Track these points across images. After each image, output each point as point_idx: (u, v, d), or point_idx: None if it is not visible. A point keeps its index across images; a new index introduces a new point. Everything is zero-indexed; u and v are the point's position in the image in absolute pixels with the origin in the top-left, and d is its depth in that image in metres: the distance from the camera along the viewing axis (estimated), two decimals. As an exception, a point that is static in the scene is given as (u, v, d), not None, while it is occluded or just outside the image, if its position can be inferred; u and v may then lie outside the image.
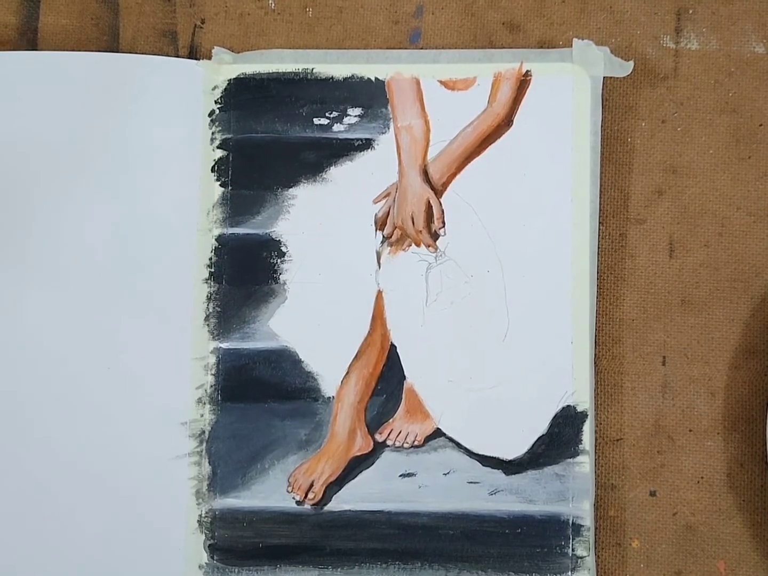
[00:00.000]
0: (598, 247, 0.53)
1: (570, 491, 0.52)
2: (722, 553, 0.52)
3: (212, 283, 0.54)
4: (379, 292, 0.53)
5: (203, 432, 0.53)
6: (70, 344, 0.53)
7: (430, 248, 0.54)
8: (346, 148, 0.54)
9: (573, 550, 0.51)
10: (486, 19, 0.55)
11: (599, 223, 0.53)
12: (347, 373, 0.53)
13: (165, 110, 0.54)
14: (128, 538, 0.52)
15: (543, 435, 0.52)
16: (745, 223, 0.54)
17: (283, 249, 0.54)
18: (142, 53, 0.55)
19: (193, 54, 0.56)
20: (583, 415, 0.52)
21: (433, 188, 0.54)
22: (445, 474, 0.52)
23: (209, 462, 0.53)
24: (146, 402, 0.53)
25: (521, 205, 0.53)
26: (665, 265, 0.54)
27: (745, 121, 0.54)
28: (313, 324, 0.53)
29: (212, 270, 0.54)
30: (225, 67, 0.55)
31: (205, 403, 0.53)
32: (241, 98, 0.55)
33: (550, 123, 0.53)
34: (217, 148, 0.54)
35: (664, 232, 0.54)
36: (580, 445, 0.52)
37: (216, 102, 0.55)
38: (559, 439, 0.52)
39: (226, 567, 0.52)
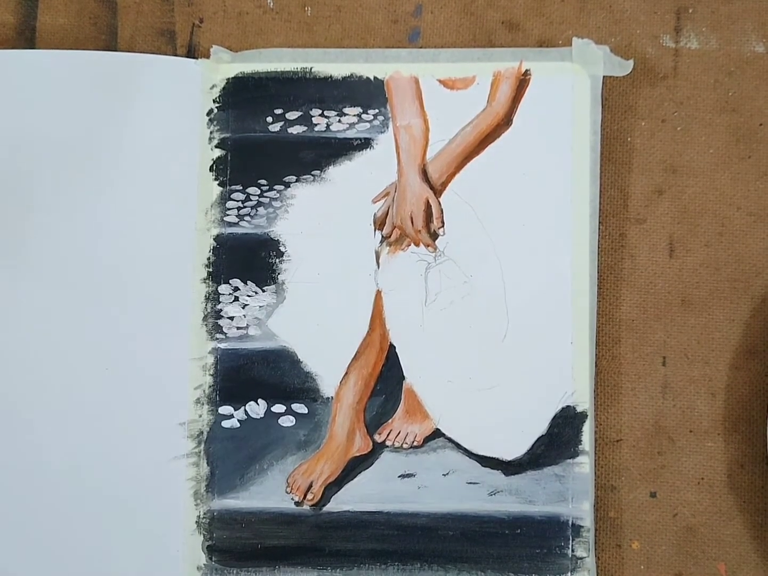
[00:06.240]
0: (598, 247, 0.53)
1: (570, 492, 0.51)
2: (723, 554, 0.52)
3: (210, 283, 0.54)
4: (378, 292, 0.53)
5: (201, 432, 0.53)
6: (68, 344, 0.53)
7: (429, 248, 0.53)
8: (344, 148, 0.54)
9: (573, 551, 0.51)
10: (485, 18, 0.55)
11: (599, 222, 0.53)
12: (346, 373, 0.53)
13: (163, 109, 0.54)
14: (126, 539, 0.52)
15: (543, 435, 0.52)
16: (746, 222, 0.53)
17: (282, 249, 0.54)
18: (141, 52, 0.55)
19: (192, 53, 0.56)
20: (583, 416, 0.52)
21: (432, 188, 0.54)
22: (444, 474, 0.52)
23: (207, 463, 0.53)
24: (144, 402, 0.53)
25: (521, 205, 0.53)
26: (665, 265, 0.53)
27: (745, 121, 0.54)
28: (312, 324, 0.53)
29: (210, 270, 0.54)
30: (223, 66, 0.55)
31: (203, 404, 0.53)
32: (240, 97, 0.54)
33: (550, 122, 0.53)
34: (216, 147, 0.54)
35: (664, 231, 0.54)
36: (579, 446, 0.52)
37: (214, 101, 0.54)
38: (558, 440, 0.52)
39: (225, 568, 0.52)
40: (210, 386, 0.53)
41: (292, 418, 0.53)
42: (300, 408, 0.53)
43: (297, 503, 0.52)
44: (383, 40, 0.55)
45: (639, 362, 0.53)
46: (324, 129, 0.54)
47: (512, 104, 0.54)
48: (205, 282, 0.54)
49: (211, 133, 0.54)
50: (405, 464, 0.52)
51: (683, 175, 0.54)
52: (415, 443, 0.53)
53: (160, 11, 0.56)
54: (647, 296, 0.53)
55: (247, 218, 0.54)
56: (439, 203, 0.53)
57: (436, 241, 0.53)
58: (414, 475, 0.52)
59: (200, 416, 0.53)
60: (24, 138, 0.54)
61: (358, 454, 0.53)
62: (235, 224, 0.54)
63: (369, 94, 0.54)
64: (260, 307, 0.53)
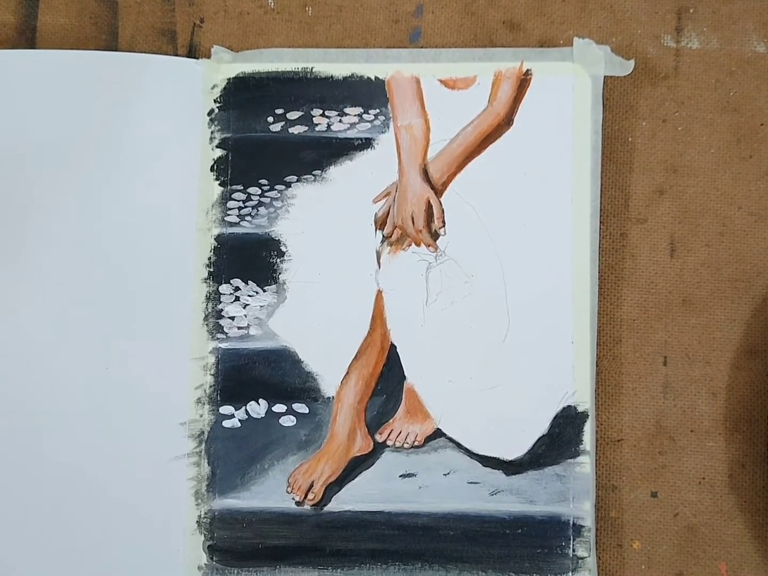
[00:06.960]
0: (599, 247, 0.53)
1: (571, 492, 0.51)
2: (724, 554, 0.52)
3: (211, 283, 0.54)
4: (379, 292, 0.53)
5: (202, 432, 0.53)
6: (69, 344, 0.53)
7: (430, 248, 0.53)
8: (345, 148, 0.54)
9: (574, 550, 0.51)
10: (486, 17, 0.55)
11: (600, 222, 0.53)
12: (347, 373, 0.53)
13: (164, 109, 0.54)
14: (127, 539, 0.52)
15: (543, 435, 0.52)
16: (747, 222, 0.53)
17: (283, 248, 0.54)
18: (141, 52, 0.55)
19: (193, 53, 0.56)
20: (584, 416, 0.52)
21: (433, 188, 0.54)
22: (445, 474, 0.52)
23: (208, 462, 0.53)
24: (145, 402, 0.53)
25: (522, 205, 0.53)
26: (666, 265, 0.53)
27: (746, 121, 0.54)
28: (313, 324, 0.53)
29: (211, 269, 0.54)
30: (224, 66, 0.55)
31: (204, 404, 0.53)
32: (241, 97, 0.54)
33: (551, 122, 0.53)
34: (216, 147, 0.54)
35: (665, 231, 0.54)
36: (580, 446, 0.52)
37: (215, 101, 0.54)
38: (559, 440, 0.52)
39: (226, 568, 0.52)
40: (211, 386, 0.53)
41: (293, 417, 0.53)
42: (301, 408, 0.53)
43: (298, 503, 0.52)
44: (384, 40, 0.55)
45: (640, 362, 0.53)
46: (325, 129, 0.54)
47: (513, 104, 0.54)
48: (206, 282, 0.54)
49: (212, 133, 0.54)
50: (406, 464, 0.52)
51: (684, 175, 0.54)
52: (415, 443, 0.53)
53: (160, 11, 0.56)
54: (648, 296, 0.53)
55: (248, 218, 0.54)
56: (440, 203, 0.53)
57: (437, 241, 0.53)
58: (415, 475, 0.52)
59: (201, 416, 0.53)
60: (24, 138, 0.54)
61: (359, 454, 0.53)
62: (236, 224, 0.54)
63: (370, 94, 0.54)
64: (261, 306, 0.53)
